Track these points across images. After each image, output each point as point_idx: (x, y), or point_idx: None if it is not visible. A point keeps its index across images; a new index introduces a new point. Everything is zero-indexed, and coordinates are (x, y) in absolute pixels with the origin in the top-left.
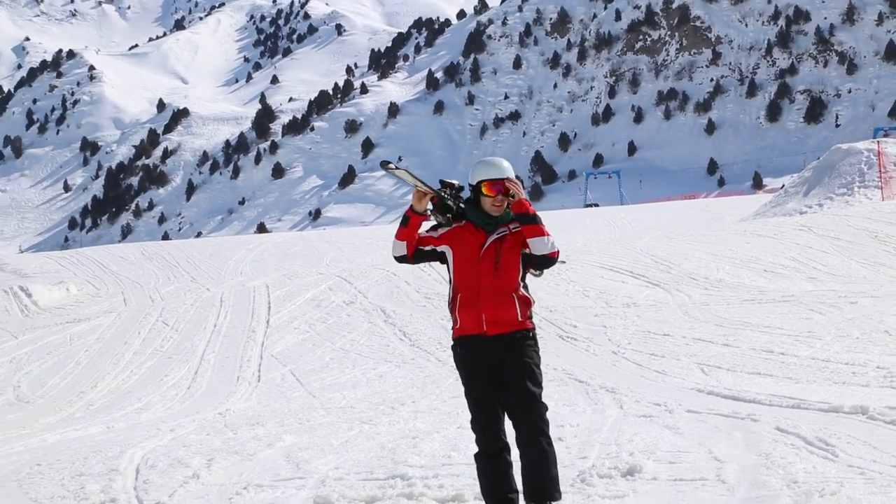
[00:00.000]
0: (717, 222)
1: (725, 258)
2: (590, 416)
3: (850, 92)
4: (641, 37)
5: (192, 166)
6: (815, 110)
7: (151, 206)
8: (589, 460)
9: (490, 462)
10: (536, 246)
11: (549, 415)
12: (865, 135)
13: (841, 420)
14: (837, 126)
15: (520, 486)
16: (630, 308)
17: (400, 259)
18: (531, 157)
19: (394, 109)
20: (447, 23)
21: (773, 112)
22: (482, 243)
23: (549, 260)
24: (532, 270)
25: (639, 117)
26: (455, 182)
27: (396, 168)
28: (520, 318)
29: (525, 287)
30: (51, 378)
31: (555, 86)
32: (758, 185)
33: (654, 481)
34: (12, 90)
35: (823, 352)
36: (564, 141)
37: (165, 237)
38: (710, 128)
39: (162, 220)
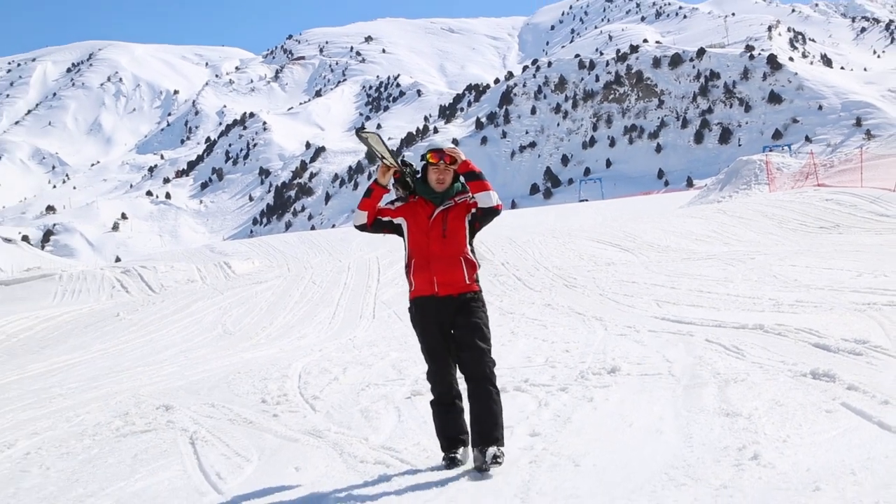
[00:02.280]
0: (664, 209)
1: (670, 232)
2: (586, 336)
3: (746, 123)
4: (613, 91)
5: (328, 183)
6: (725, 136)
7: (303, 209)
8: (586, 363)
9: (444, 409)
10: (482, 199)
11: (562, 337)
12: (757, 151)
13: (746, 333)
14: (739, 146)
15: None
16: (610, 266)
17: (360, 227)
18: (544, 170)
19: (455, 143)
20: (488, 86)
21: (699, 138)
22: (430, 214)
23: (494, 211)
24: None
25: (612, 143)
26: (412, 164)
27: (370, 132)
28: (467, 281)
29: (472, 252)
30: (244, 318)
31: (557, 124)
32: (690, 184)
33: (628, 376)
34: (216, 138)
35: (734, 290)
36: (565, 160)
37: (313, 228)
38: (658, 149)
39: (310, 217)
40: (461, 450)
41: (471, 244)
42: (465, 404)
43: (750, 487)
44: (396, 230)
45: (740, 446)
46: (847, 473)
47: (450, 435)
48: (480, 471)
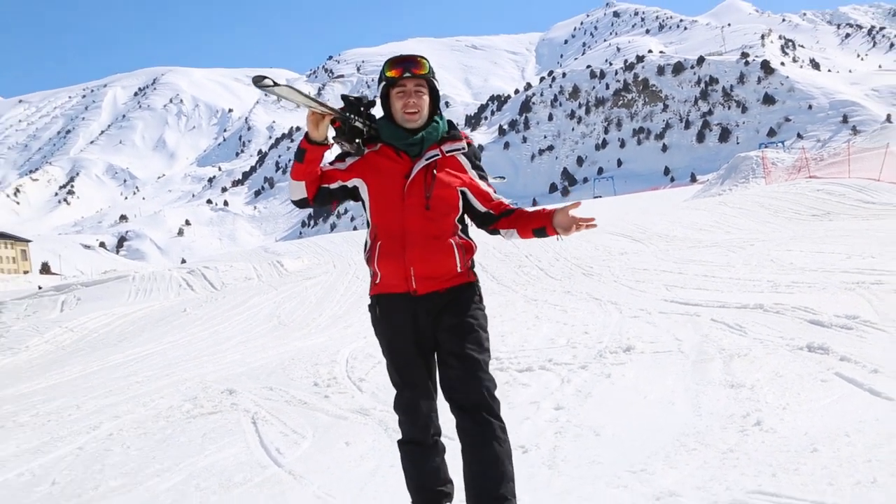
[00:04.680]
0: (671, 202)
1: (677, 223)
2: (603, 319)
3: (744, 123)
4: (622, 98)
5: None
6: (725, 135)
7: (346, 211)
8: (604, 343)
9: (418, 450)
10: (508, 235)
11: (581, 320)
12: (754, 148)
13: (748, 312)
14: (738, 144)
15: (458, 482)
16: (623, 255)
17: (300, 203)
18: (561, 171)
19: (480, 148)
20: (508, 96)
21: (700, 137)
22: (407, 172)
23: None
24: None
25: (622, 145)
26: (364, 96)
27: (275, 85)
28: (459, 269)
29: (465, 230)
30: (296, 311)
31: (572, 129)
32: (694, 180)
33: (642, 354)
34: (267, 151)
35: (736, 274)
36: (580, 161)
37: (355, 229)
38: (664, 148)
39: (352, 219)
40: None
41: (461, 221)
42: (447, 440)
43: (754, 451)
44: (352, 195)
45: (744, 414)
46: (842, 436)
47: (428, 488)
48: None
